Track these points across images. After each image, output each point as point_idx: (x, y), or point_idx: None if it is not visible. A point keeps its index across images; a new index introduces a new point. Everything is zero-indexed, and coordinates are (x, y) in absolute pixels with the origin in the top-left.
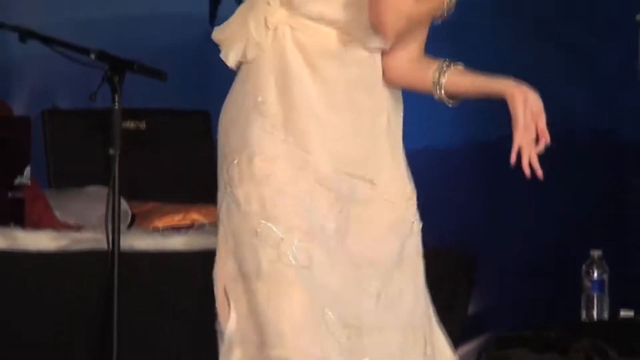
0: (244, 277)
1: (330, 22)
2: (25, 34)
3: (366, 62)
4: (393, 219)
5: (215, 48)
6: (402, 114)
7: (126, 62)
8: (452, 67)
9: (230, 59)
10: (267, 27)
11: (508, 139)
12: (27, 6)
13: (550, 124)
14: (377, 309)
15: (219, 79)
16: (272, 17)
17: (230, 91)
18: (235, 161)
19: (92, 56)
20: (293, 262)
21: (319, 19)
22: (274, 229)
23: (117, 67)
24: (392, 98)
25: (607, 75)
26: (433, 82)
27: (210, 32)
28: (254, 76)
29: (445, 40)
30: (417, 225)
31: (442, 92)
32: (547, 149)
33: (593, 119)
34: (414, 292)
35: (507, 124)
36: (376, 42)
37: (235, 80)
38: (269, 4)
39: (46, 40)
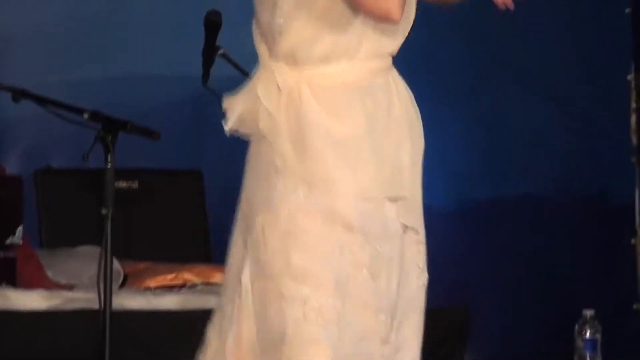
0: (268, 344)
1: (339, 56)
2: (19, 94)
3: (386, 78)
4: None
5: (208, 108)
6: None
7: (119, 122)
8: None
9: (231, 120)
10: (279, 91)
11: (501, 199)
12: (20, 66)
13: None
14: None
15: (211, 139)
16: (284, 81)
17: (247, 164)
18: (259, 222)
19: (86, 116)
20: (319, 320)
21: (327, 59)
22: (300, 288)
23: (110, 127)
24: (415, 120)
25: (599, 135)
26: None
27: (203, 93)
28: (270, 145)
29: (428, 100)
30: (424, 277)
31: None
32: (542, 209)
33: (586, 179)
34: (417, 348)
35: (499, 184)
36: (390, 44)
37: (250, 153)
38: (275, 71)
39: (39, 100)
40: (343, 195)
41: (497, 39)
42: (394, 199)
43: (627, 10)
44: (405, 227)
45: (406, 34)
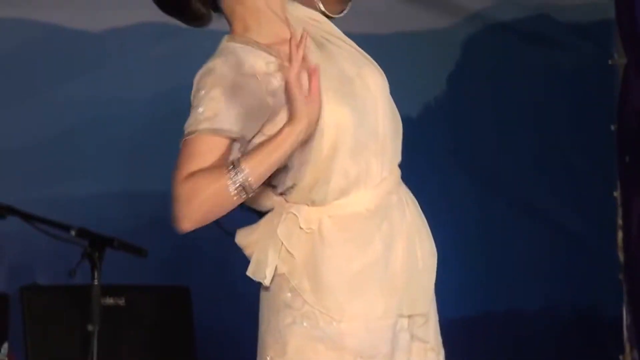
0: None
1: (355, 186)
2: (5, 211)
3: (399, 194)
4: None
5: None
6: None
7: (106, 238)
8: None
9: (267, 277)
10: (301, 230)
11: (487, 314)
12: (6, 181)
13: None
14: None
15: (198, 255)
16: (306, 220)
17: (261, 302)
18: (269, 358)
19: (73, 233)
20: None
21: (344, 192)
22: None
23: (97, 244)
24: (423, 227)
25: (586, 251)
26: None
27: None
28: (287, 280)
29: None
30: None
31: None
32: (529, 324)
33: (573, 295)
34: None
35: (485, 299)
36: (396, 158)
37: (264, 292)
38: (297, 214)
39: (26, 217)
40: (352, 323)
41: (487, 158)
42: (406, 316)
43: (613, 127)
44: (414, 336)
45: (400, 138)
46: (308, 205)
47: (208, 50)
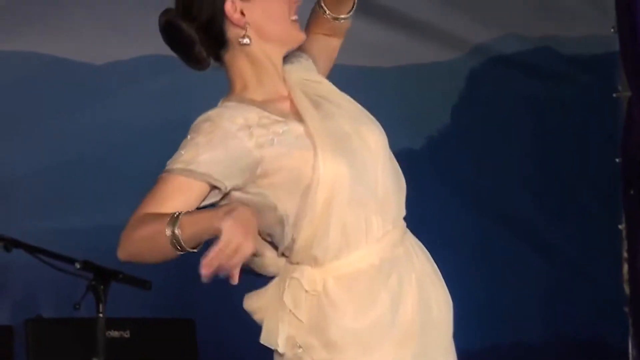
0: None
1: (355, 242)
2: (10, 243)
3: (406, 245)
4: None
5: (197, 257)
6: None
7: (111, 271)
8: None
9: (281, 345)
10: (307, 293)
11: (493, 348)
12: (11, 213)
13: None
14: None
15: (203, 288)
16: (310, 282)
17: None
18: None
19: (77, 266)
20: None
21: (345, 249)
22: None
23: (102, 277)
24: (434, 275)
25: (591, 284)
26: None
27: None
28: (295, 341)
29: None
30: None
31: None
32: (535, 358)
33: (579, 328)
34: None
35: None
36: (398, 209)
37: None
38: (300, 278)
39: (31, 250)
40: None
41: (490, 191)
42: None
43: (617, 160)
44: None
45: (404, 193)
46: (311, 266)
47: (209, 83)
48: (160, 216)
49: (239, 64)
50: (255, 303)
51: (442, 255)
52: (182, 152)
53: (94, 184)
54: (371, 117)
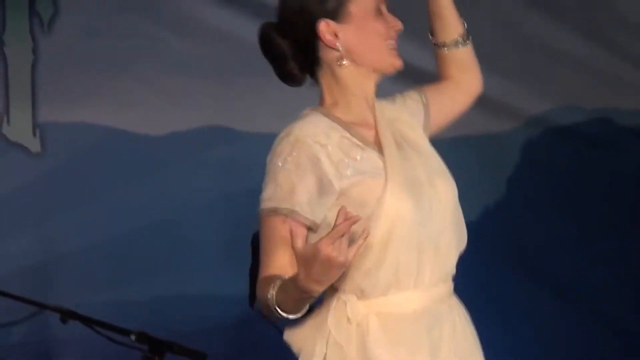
0: None
1: (404, 284)
2: (67, 315)
3: (450, 303)
4: None
5: (253, 329)
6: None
7: (166, 343)
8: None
9: None
10: (349, 322)
11: None
12: (68, 285)
13: None
14: None
15: (257, 357)
16: (354, 313)
17: None
18: None
19: (132, 337)
20: None
21: (393, 288)
22: None
23: (156, 348)
24: (472, 339)
25: (612, 330)
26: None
27: (249, 313)
28: None
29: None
30: None
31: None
32: None
33: None
34: None
35: None
36: (449, 264)
37: None
38: (346, 302)
39: (87, 321)
40: None
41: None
42: None
43: None
44: None
45: (461, 249)
46: (357, 296)
47: (265, 154)
48: (271, 278)
49: (330, 84)
50: (296, 334)
51: (504, 330)
52: (278, 182)
53: (149, 256)
54: (448, 172)
